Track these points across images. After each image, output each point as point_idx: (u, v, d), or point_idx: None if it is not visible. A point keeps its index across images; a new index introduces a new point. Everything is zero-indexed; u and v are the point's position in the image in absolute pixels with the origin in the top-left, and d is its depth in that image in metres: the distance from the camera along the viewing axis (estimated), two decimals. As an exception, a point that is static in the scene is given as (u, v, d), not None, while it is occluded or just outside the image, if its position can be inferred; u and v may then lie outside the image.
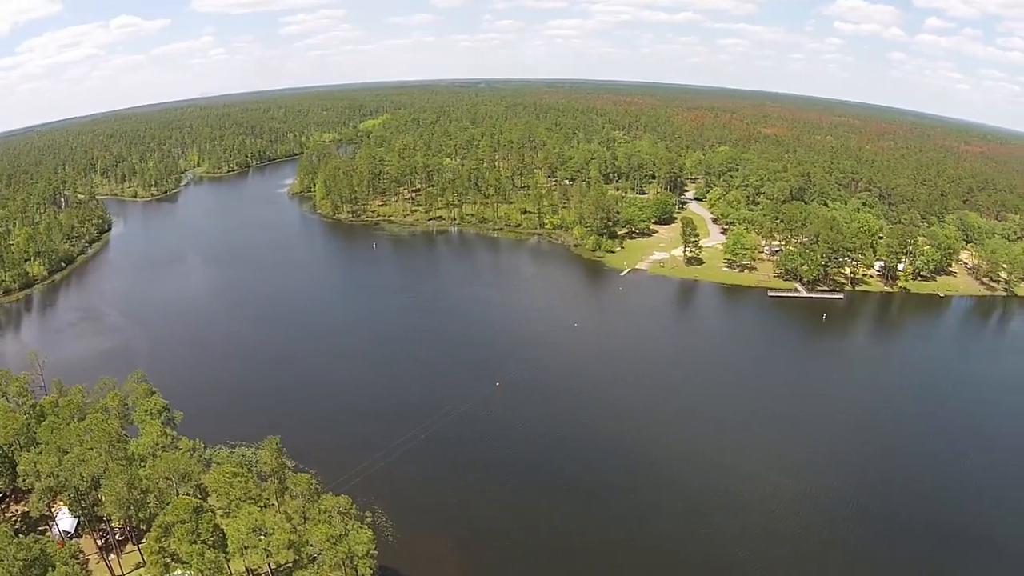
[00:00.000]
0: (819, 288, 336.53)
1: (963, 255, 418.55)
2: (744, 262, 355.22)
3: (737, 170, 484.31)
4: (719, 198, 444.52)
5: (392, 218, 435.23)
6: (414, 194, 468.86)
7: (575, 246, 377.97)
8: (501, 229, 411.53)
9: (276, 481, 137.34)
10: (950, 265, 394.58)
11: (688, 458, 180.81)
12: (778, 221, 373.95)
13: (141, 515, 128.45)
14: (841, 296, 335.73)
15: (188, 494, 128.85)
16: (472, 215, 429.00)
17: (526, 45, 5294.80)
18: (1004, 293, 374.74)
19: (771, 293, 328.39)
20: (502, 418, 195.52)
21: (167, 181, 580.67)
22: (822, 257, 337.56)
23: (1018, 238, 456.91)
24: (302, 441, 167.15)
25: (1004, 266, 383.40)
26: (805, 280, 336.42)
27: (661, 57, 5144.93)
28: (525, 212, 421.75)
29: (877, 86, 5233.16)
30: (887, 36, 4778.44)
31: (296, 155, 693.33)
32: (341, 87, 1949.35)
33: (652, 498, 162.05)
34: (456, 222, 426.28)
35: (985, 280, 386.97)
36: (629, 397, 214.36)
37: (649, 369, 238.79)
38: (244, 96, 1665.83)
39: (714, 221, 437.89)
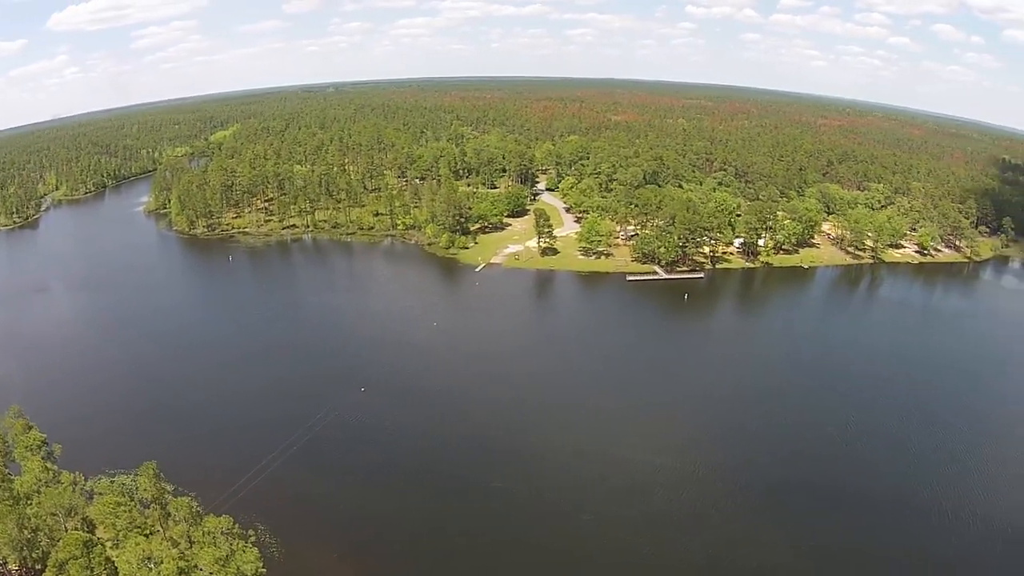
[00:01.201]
0: (679, 269, 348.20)
1: (826, 226, 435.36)
2: (600, 249, 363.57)
3: (588, 158, 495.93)
4: (571, 187, 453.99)
5: (247, 229, 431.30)
6: (267, 204, 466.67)
7: (429, 245, 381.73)
8: (354, 233, 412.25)
9: (158, 507, 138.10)
10: (813, 237, 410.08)
11: (566, 449, 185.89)
12: (632, 206, 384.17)
13: (35, 554, 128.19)
14: (702, 276, 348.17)
15: (76, 528, 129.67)
16: (325, 221, 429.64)
17: (374, 46, 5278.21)
18: (871, 260, 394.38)
19: (630, 278, 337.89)
20: (372, 423, 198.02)
21: (27, 207, 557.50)
22: (679, 238, 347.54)
23: (882, 206, 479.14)
24: (179, 463, 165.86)
25: (869, 234, 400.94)
26: (664, 262, 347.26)
27: (509, 51, 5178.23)
28: (377, 214, 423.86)
29: (731, 67, 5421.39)
30: (740, 18, 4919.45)
31: (151, 172, 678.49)
32: (193, 99, 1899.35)
33: (534, 492, 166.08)
34: (309, 229, 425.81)
35: (850, 249, 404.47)
36: (498, 393, 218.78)
37: (515, 363, 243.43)
38: (99, 114, 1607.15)
39: (567, 210, 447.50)
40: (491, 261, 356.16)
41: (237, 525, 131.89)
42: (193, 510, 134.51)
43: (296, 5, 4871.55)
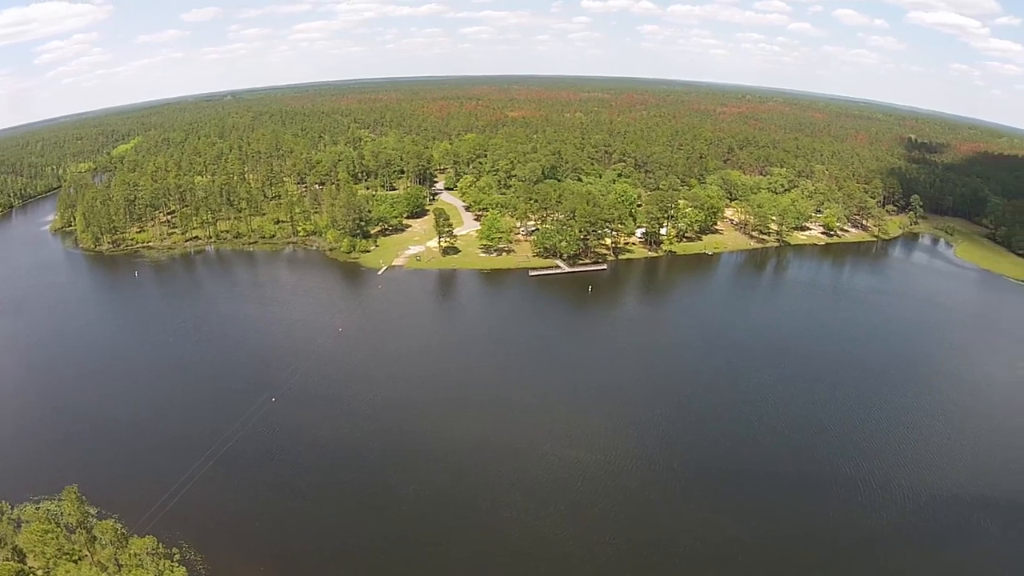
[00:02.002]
0: (581, 262, 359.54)
1: (729, 213, 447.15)
2: (501, 246, 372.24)
3: (486, 156, 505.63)
4: (470, 186, 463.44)
5: (151, 244, 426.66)
6: (170, 217, 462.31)
7: (330, 250, 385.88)
8: (256, 242, 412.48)
9: (84, 532, 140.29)
10: (716, 224, 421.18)
11: (480, 446, 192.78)
12: (532, 201, 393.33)
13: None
14: (605, 267, 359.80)
15: (8, 559, 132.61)
16: (227, 231, 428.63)
17: (273, 52, 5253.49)
18: (777, 244, 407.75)
19: (532, 273, 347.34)
20: (285, 431, 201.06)
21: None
22: (580, 232, 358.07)
23: (786, 190, 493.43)
24: (100, 485, 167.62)
25: (774, 218, 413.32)
26: (565, 256, 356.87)
27: (406, 51, 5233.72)
28: (278, 222, 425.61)
29: (629, 59, 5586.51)
30: (637, 11, 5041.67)
31: (56, 189, 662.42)
32: (96, 113, 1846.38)
33: (452, 491, 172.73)
34: (212, 240, 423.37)
35: (755, 234, 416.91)
36: (409, 394, 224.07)
37: (422, 364, 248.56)
38: (2, 133, 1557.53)
39: (467, 209, 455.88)
40: (393, 263, 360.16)
41: (162, 545, 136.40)
42: (118, 532, 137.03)
43: (195, 13, 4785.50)
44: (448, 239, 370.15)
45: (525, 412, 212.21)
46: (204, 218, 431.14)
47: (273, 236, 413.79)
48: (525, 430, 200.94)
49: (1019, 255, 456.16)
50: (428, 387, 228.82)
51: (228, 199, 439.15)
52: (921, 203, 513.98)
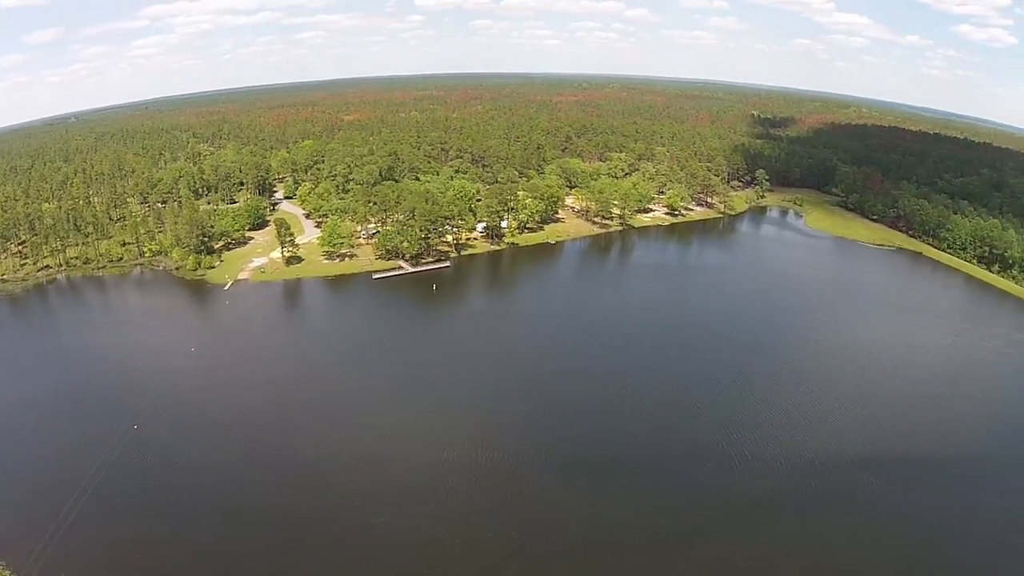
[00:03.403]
0: (425, 261, 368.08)
1: (570, 201, 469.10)
2: (343, 251, 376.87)
3: (324, 162, 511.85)
4: (309, 193, 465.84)
5: (5, 276, 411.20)
6: (21, 247, 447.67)
7: (177, 269, 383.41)
8: (104, 267, 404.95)
9: None
10: (557, 212, 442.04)
11: (343, 456, 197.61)
12: (371, 204, 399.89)
13: None
14: (448, 264, 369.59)
15: None
16: (77, 258, 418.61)
17: (113, 70, 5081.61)
18: (620, 227, 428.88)
19: (376, 275, 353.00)
20: (152, 458, 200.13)
21: None
22: (421, 231, 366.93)
23: (626, 174, 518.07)
24: None
25: (615, 202, 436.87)
26: (408, 256, 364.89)
27: (242, 61, 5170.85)
28: (124, 244, 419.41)
29: (463, 55, 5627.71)
30: (470, 6, 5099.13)
31: None
32: None
33: (324, 505, 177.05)
34: (63, 268, 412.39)
35: (597, 219, 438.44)
36: (267, 409, 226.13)
37: (276, 379, 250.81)
38: None
39: (307, 216, 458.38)
40: (239, 277, 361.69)
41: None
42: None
43: (37, 35, 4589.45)
44: (291, 249, 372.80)
45: (384, 418, 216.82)
46: (54, 246, 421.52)
47: (121, 259, 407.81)
48: (386, 437, 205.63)
49: (872, 219, 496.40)
50: (284, 400, 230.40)
51: (75, 224, 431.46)
52: (767, 177, 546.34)
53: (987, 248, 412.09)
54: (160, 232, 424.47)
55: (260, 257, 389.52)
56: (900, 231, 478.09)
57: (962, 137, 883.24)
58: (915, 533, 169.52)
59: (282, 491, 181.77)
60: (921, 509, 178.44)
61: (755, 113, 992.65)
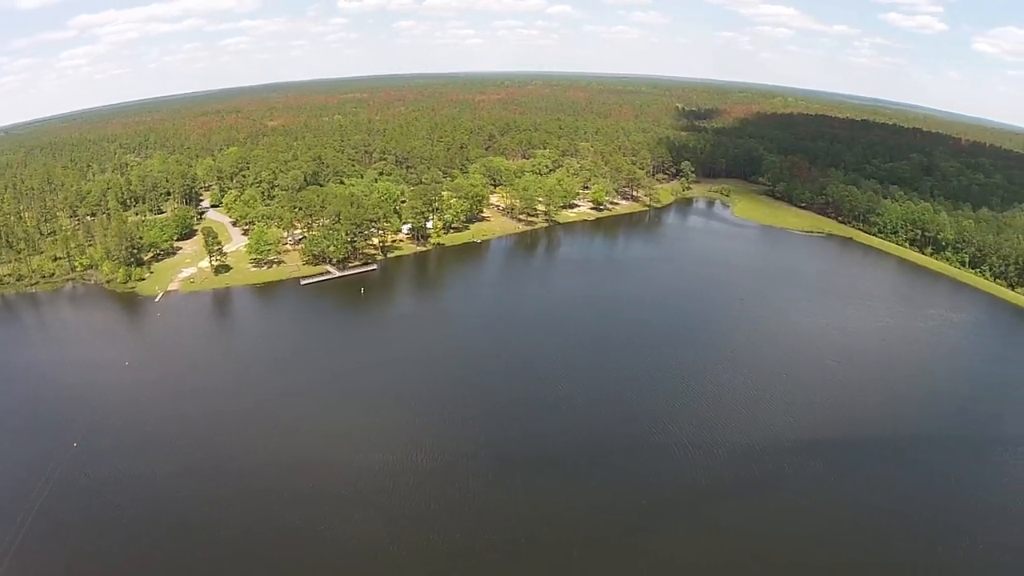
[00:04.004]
0: (352, 264, 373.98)
1: (494, 199, 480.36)
2: (271, 258, 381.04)
3: (248, 169, 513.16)
4: (235, 200, 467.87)
5: None
6: None
7: (108, 282, 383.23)
8: (37, 283, 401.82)
9: None
10: (482, 211, 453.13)
11: (284, 465, 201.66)
12: (296, 210, 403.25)
13: None
14: (375, 267, 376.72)
15: None
16: (10, 275, 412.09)
17: (42, 82, 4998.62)
18: (546, 224, 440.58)
19: (304, 281, 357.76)
20: (95, 475, 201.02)
21: None
22: (347, 234, 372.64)
23: (550, 171, 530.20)
24: None
25: (540, 199, 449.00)
26: (335, 260, 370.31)
27: (168, 69, 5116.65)
28: (56, 259, 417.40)
29: (385, 57, 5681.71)
30: (393, 7, 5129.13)
31: None
32: None
33: (264, 516, 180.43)
34: None
35: (522, 217, 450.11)
36: (202, 422, 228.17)
37: (211, 389, 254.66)
38: None
39: (234, 224, 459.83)
40: (169, 288, 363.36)
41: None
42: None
43: None
44: (219, 257, 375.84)
45: (314, 422, 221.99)
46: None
47: (52, 274, 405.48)
48: (324, 440, 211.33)
49: (800, 207, 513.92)
50: (220, 411, 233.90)
51: (7, 241, 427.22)
52: (693, 168, 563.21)
53: (919, 231, 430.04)
54: (90, 246, 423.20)
55: (189, 267, 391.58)
56: (829, 217, 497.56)
57: (891, 123, 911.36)
58: (856, 514, 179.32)
59: (225, 503, 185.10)
60: (861, 490, 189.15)
61: (680, 106, 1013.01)
